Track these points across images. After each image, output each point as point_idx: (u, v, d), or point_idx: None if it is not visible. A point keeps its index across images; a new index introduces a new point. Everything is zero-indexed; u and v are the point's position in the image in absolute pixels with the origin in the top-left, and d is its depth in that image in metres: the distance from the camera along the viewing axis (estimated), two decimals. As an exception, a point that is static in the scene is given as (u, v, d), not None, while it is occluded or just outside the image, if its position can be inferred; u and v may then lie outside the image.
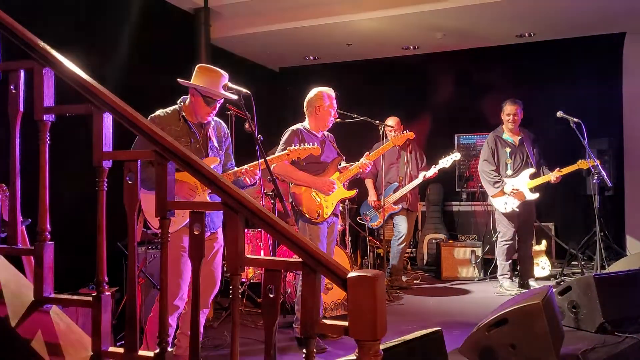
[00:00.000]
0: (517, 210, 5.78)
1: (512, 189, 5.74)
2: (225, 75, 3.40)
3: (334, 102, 4.33)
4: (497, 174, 5.86)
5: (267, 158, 3.53)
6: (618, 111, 7.43)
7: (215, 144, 3.48)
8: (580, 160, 5.61)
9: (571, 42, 7.54)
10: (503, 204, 5.82)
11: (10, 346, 2.00)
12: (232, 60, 7.85)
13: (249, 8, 6.73)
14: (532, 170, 5.83)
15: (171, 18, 6.48)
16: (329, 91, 4.34)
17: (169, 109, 3.40)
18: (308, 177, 4.21)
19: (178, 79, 3.42)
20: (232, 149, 3.73)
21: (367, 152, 4.62)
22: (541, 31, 7.30)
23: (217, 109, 3.42)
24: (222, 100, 3.42)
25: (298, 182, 4.21)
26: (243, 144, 5.23)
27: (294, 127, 4.31)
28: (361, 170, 4.43)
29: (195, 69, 3.42)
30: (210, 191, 3.29)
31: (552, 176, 5.68)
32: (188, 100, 3.40)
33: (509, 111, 5.89)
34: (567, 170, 5.69)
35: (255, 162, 3.46)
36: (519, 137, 5.93)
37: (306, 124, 4.36)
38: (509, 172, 5.87)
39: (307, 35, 7.32)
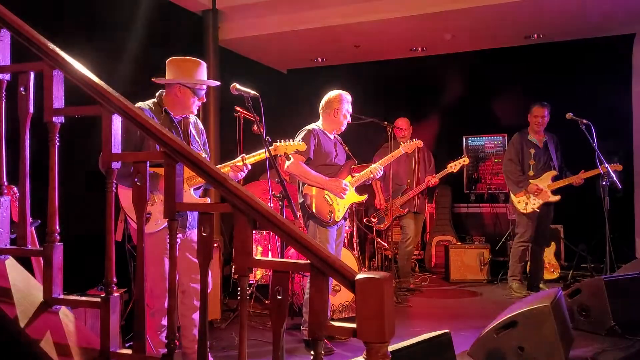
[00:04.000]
0: (538, 211, 5.77)
1: (536, 188, 5.73)
2: (203, 62, 3.36)
3: (350, 106, 4.35)
4: (521, 174, 5.85)
5: (249, 155, 3.46)
6: (628, 112, 7.38)
7: (197, 138, 3.44)
8: (603, 165, 5.59)
9: (580, 43, 7.50)
10: (524, 204, 5.81)
11: (19, 347, 2.01)
12: (240, 61, 7.86)
13: (257, 10, 6.74)
14: (554, 172, 5.82)
15: (179, 20, 6.50)
16: (348, 95, 4.35)
17: (149, 102, 3.32)
18: (321, 179, 4.20)
19: (153, 79, 3.34)
20: (240, 150, 3.73)
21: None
22: (550, 33, 7.26)
23: (205, 99, 3.38)
24: (206, 87, 3.37)
25: (312, 183, 4.19)
26: (251, 145, 5.24)
27: (309, 127, 4.29)
28: (372, 175, 4.43)
29: (169, 63, 3.34)
30: (195, 187, 3.28)
31: (575, 180, 5.69)
32: (165, 93, 3.33)
33: (537, 113, 5.85)
34: (590, 173, 5.67)
35: (237, 159, 3.43)
36: (544, 140, 5.92)
37: (320, 124, 4.36)
38: (531, 173, 5.87)
39: (315, 37, 7.32)
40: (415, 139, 5.20)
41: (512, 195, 5.96)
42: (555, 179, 5.81)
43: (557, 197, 5.78)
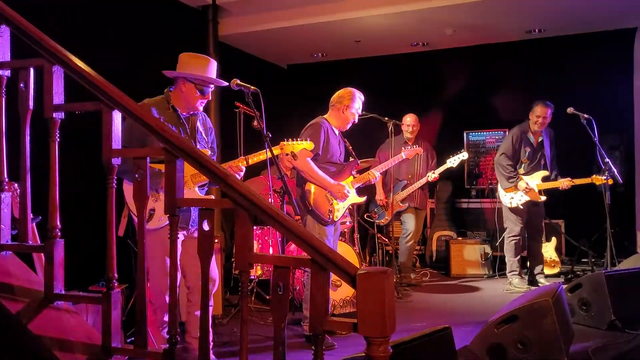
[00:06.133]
0: (522, 207, 5.77)
1: (525, 186, 5.73)
2: (214, 61, 3.34)
3: (361, 107, 4.29)
4: (512, 169, 5.84)
5: (256, 153, 3.47)
6: (629, 107, 7.37)
7: (204, 135, 3.44)
8: (594, 176, 5.59)
9: (581, 37, 7.48)
10: (509, 198, 5.82)
11: (21, 342, 2.01)
12: (240, 57, 7.85)
13: (257, 5, 6.73)
14: (545, 172, 5.82)
15: (179, 15, 6.49)
16: (361, 95, 4.29)
17: (157, 98, 3.33)
18: (327, 181, 4.17)
19: (163, 71, 3.34)
20: (241, 146, 3.72)
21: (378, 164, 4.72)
22: (551, 27, 7.24)
23: (210, 97, 3.38)
24: (214, 86, 3.37)
25: (316, 182, 4.16)
26: (251, 141, 5.24)
27: (319, 121, 4.23)
28: (369, 180, 4.47)
29: (180, 57, 3.34)
30: (200, 184, 3.27)
31: (563, 183, 5.68)
32: (174, 89, 3.33)
33: (539, 113, 5.77)
34: (579, 182, 5.68)
35: (239, 159, 3.42)
36: (540, 139, 5.90)
37: (327, 118, 4.30)
38: (522, 170, 5.86)
39: (315, 32, 7.31)
40: (416, 145, 5.21)
41: (500, 188, 5.97)
42: (545, 179, 5.81)
43: (544, 198, 5.80)
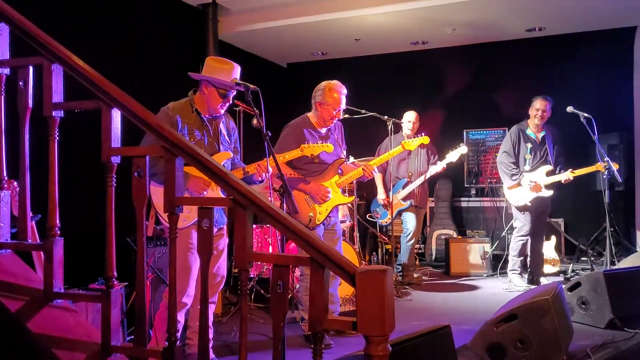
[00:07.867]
0: (530, 204, 5.75)
1: (529, 180, 5.71)
2: (238, 66, 3.39)
3: (342, 101, 4.03)
4: (515, 167, 5.82)
5: (283, 154, 3.51)
6: (629, 105, 7.37)
7: (227, 137, 3.49)
8: (598, 163, 5.56)
9: (582, 36, 7.48)
10: (516, 197, 5.80)
11: (20, 341, 2.01)
12: (240, 55, 7.84)
13: (257, 3, 6.73)
14: (549, 167, 5.80)
15: (179, 14, 6.49)
16: (339, 88, 4.03)
17: (182, 101, 3.39)
18: (299, 182, 4.05)
19: (189, 73, 3.41)
20: (240, 145, 3.73)
21: (371, 160, 4.55)
22: (551, 25, 7.25)
23: (230, 101, 3.41)
24: (235, 91, 3.40)
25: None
26: (251, 139, 5.23)
27: (294, 123, 4.11)
28: (363, 175, 4.17)
29: (206, 60, 3.41)
30: None
31: (564, 176, 5.65)
32: (198, 92, 3.39)
33: (539, 106, 5.76)
34: (581, 172, 5.64)
35: (266, 159, 3.44)
36: (542, 134, 5.87)
37: (309, 116, 4.18)
38: (527, 167, 5.84)
39: (315, 31, 7.31)
40: (423, 133, 5.10)
41: (504, 188, 5.95)
42: (549, 174, 5.80)
43: (550, 192, 5.76)
